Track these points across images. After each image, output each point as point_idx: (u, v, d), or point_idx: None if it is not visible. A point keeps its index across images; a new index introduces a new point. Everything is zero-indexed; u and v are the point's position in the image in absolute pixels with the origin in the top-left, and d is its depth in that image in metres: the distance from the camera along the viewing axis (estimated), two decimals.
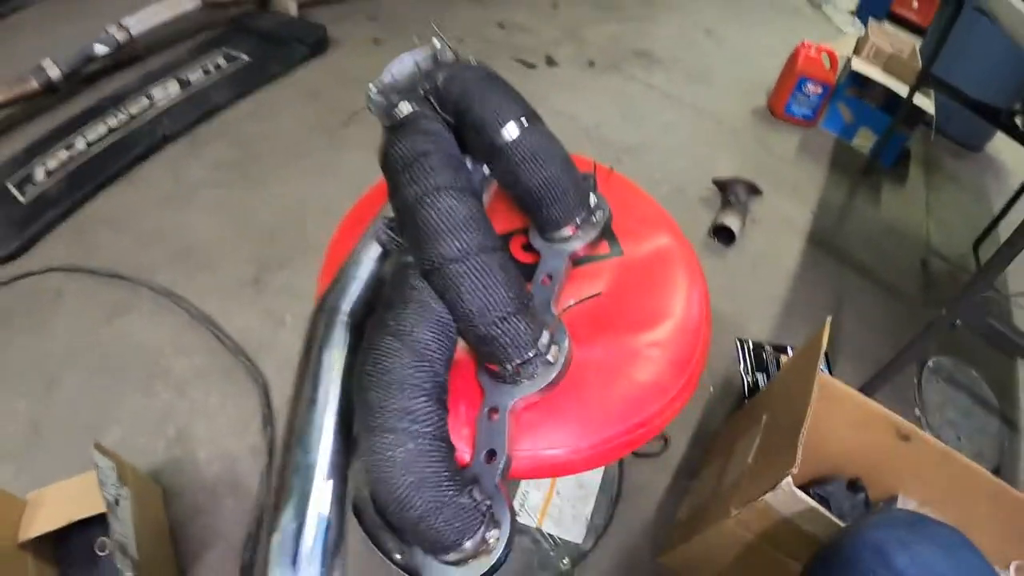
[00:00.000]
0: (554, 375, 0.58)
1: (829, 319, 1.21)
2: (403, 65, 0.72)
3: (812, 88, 2.77)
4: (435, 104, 0.67)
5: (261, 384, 1.53)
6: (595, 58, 3.03)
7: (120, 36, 2.46)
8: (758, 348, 1.80)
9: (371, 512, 1.21)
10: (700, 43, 3.36)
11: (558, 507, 1.32)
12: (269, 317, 1.70)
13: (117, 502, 1.11)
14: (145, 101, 2.32)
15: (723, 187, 2.26)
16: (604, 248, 0.74)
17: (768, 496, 0.95)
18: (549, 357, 0.58)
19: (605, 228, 0.72)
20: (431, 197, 0.55)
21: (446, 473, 0.49)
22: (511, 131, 0.64)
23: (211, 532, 1.31)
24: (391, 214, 0.63)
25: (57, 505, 1.15)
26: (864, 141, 2.81)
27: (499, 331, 0.55)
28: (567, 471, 0.60)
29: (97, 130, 2.19)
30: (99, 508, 1.09)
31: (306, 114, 2.40)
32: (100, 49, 2.41)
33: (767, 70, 3.02)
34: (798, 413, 1.06)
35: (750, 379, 1.72)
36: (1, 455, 1.39)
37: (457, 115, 0.66)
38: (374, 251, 0.63)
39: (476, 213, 0.56)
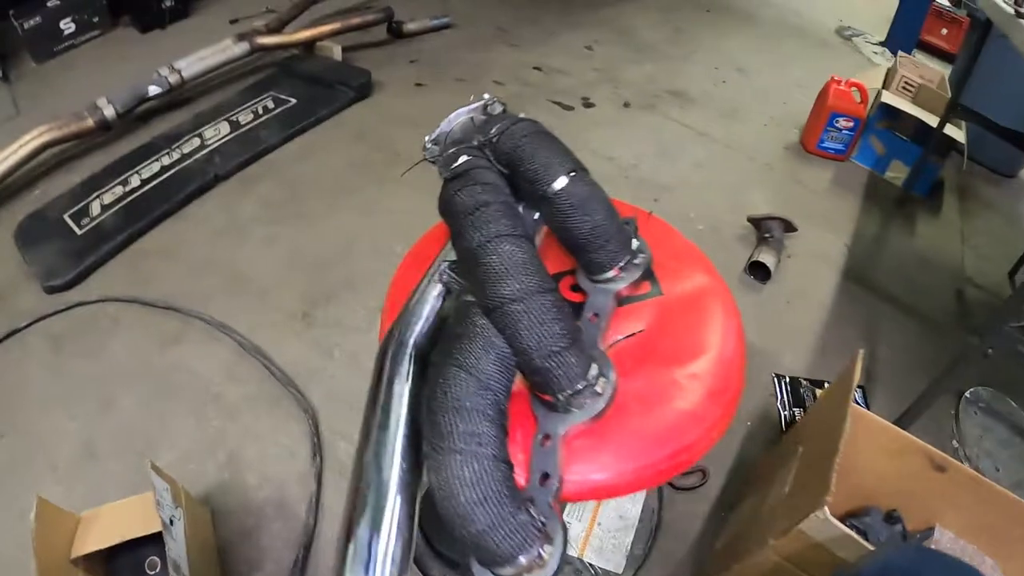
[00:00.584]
0: (602, 405, 0.64)
1: (861, 352, 1.22)
2: (456, 118, 0.79)
3: (843, 123, 2.78)
4: (489, 156, 0.74)
5: (310, 414, 1.59)
6: (630, 98, 3.10)
7: (172, 78, 2.60)
8: (795, 383, 1.81)
9: (419, 540, 1.25)
10: (733, 81, 3.41)
11: (599, 538, 1.35)
12: (317, 349, 1.77)
13: (172, 522, 1.16)
14: (197, 141, 2.45)
15: (758, 224, 2.28)
16: (646, 288, 0.79)
17: (803, 525, 0.97)
18: (597, 388, 0.64)
19: (647, 270, 0.77)
20: (493, 243, 0.63)
21: (506, 492, 0.55)
22: (560, 183, 0.71)
23: (259, 554, 1.36)
24: (451, 258, 0.70)
25: (110, 523, 1.20)
26: (897, 173, 2.80)
27: (552, 364, 0.61)
28: (613, 494, 0.65)
29: (151, 167, 2.32)
30: (152, 528, 1.15)
31: (352, 154, 2.50)
32: (153, 90, 2.55)
33: (799, 105, 3.04)
34: (832, 444, 1.08)
35: (787, 414, 1.73)
36: (54, 474, 1.46)
37: (510, 166, 0.73)
38: (436, 290, 0.71)
39: (532, 258, 0.64)
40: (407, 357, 0.68)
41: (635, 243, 0.79)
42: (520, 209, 0.75)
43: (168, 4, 3.30)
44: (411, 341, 0.69)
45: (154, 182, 2.26)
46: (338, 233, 2.13)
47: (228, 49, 2.81)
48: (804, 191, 2.67)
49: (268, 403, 1.62)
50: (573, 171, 0.73)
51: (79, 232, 2.06)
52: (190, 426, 1.56)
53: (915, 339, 2.09)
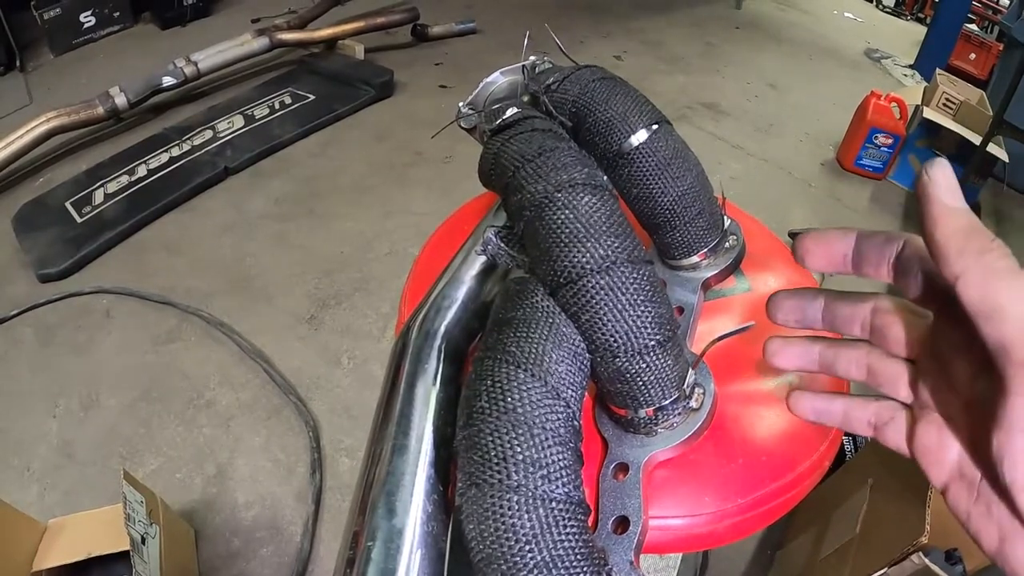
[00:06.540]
0: (699, 425, 0.45)
1: None
2: (497, 79, 0.64)
3: (882, 139, 2.65)
4: (547, 105, 0.57)
5: (311, 427, 1.44)
6: (661, 108, 2.96)
7: (188, 70, 2.51)
8: None
9: None
10: (766, 96, 3.30)
11: None
12: (324, 356, 1.62)
13: (144, 540, 1.03)
14: (209, 133, 2.34)
15: None
16: (731, 281, 0.63)
17: (893, 571, 0.83)
18: (693, 402, 0.46)
19: (739, 257, 0.60)
20: (565, 193, 0.43)
21: (583, 551, 0.33)
22: (639, 136, 0.54)
23: None
24: (499, 224, 0.53)
25: (78, 536, 1.08)
26: None
27: (643, 364, 0.42)
28: (709, 543, 0.46)
29: (160, 158, 2.22)
30: (123, 544, 1.01)
31: (371, 154, 2.39)
32: (167, 80, 2.46)
33: (833, 122, 2.94)
34: (915, 476, 0.94)
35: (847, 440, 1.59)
36: (28, 474, 1.34)
37: (576, 116, 0.56)
38: (476, 266, 0.52)
39: (619, 217, 0.45)
40: (435, 352, 0.49)
41: (727, 221, 0.62)
42: None
43: (190, 2, 3.28)
44: (441, 331, 0.50)
45: (161, 172, 2.16)
46: (352, 234, 2.00)
47: (247, 44, 2.72)
48: (844, 210, 2.54)
49: (266, 412, 1.48)
50: (656, 123, 0.55)
51: (79, 220, 1.96)
52: (178, 433, 1.42)
53: None
